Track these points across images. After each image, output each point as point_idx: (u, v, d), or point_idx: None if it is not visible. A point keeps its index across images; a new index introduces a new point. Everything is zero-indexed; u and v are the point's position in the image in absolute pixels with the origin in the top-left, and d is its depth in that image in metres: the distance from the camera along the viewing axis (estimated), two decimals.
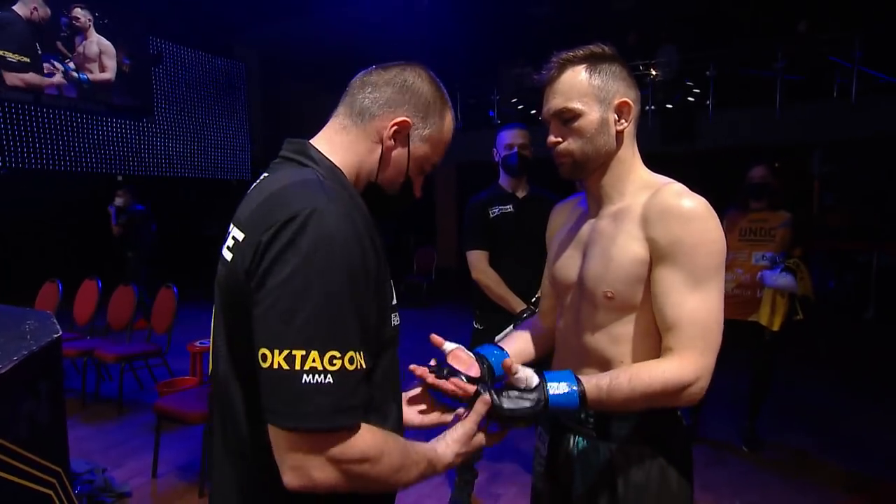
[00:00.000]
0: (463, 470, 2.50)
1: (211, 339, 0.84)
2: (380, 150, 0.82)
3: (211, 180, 10.98)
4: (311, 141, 0.84)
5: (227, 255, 0.75)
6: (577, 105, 0.97)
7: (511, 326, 2.14)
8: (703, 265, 0.89)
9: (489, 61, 10.36)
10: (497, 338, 2.19)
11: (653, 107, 8.60)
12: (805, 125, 7.62)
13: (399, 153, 0.83)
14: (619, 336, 0.98)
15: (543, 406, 0.86)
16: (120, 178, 9.39)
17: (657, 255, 0.92)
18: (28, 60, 7.15)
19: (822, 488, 2.67)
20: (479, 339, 2.35)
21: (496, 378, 1.03)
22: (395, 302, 0.82)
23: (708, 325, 0.89)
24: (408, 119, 0.82)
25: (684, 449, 1.04)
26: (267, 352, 0.63)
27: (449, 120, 0.87)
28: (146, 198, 8.00)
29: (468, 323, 2.44)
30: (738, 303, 2.97)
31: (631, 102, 0.99)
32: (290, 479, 0.65)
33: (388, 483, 0.72)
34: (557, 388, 0.88)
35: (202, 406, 2.65)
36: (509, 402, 0.87)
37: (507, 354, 1.07)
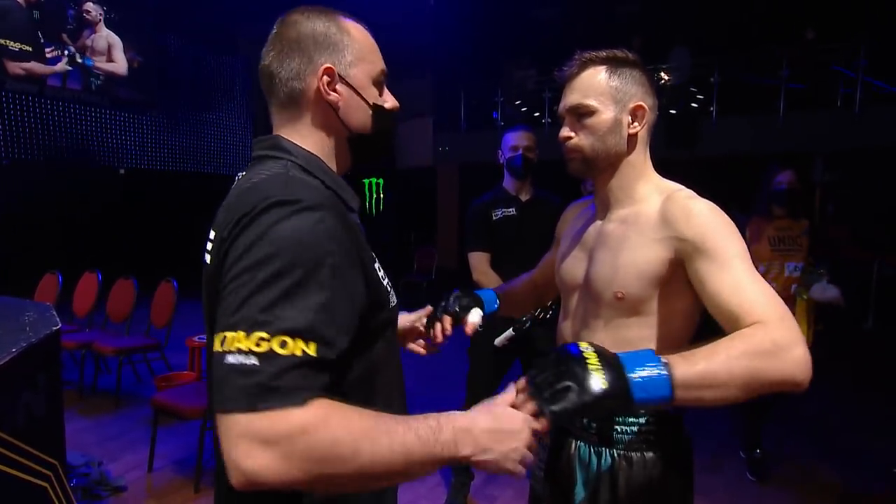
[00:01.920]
0: (459, 471, 2.49)
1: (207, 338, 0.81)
2: (331, 110, 0.80)
3: (213, 176, 10.98)
4: (280, 133, 0.82)
5: (207, 258, 0.76)
6: (592, 102, 0.98)
7: (510, 329, 2.13)
8: (741, 249, 0.87)
9: (493, 63, 10.35)
10: (496, 340, 2.20)
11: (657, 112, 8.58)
12: (807, 134, 7.63)
13: (345, 95, 0.80)
14: (623, 340, 0.98)
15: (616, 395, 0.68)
16: (122, 171, 9.39)
17: (689, 252, 0.90)
18: (30, 49, 7.14)
19: (819, 498, 2.66)
20: (479, 341, 2.35)
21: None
22: (394, 301, 0.81)
23: (774, 297, 0.82)
24: (327, 65, 0.78)
25: (686, 455, 1.03)
26: (214, 337, 0.62)
27: (351, 26, 0.82)
28: (147, 191, 8.00)
29: None
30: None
31: (647, 108, 1.00)
32: (231, 477, 0.57)
33: (349, 460, 0.58)
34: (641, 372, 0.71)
35: (200, 401, 2.64)
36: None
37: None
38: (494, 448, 0.66)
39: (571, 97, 1.00)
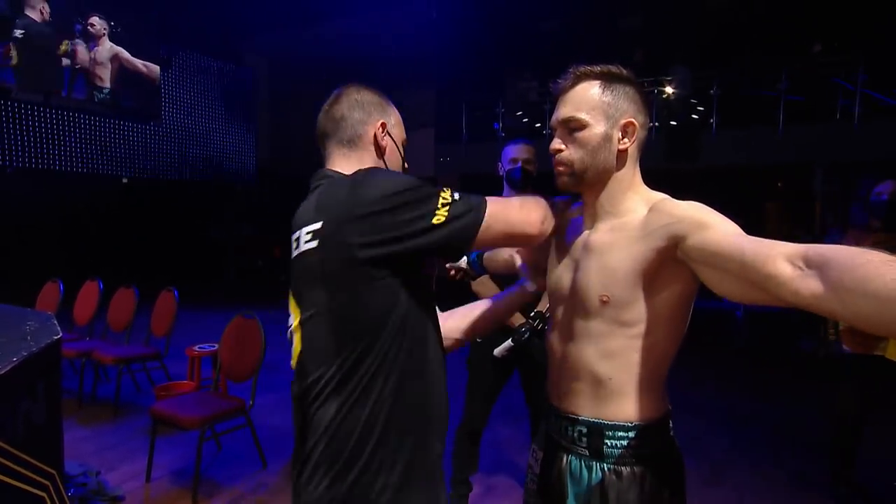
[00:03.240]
0: (457, 483, 2.48)
1: (297, 349, 0.98)
2: (378, 152, 1.08)
3: (216, 185, 11.03)
4: (332, 167, 1.07)
5: (310, 245, 0.93)
6: (584, 116, 0.99)
7: (509, 340, 2.13)
8: (738, 228, 0.87)
9: (495, 74, 10.44)
10: (495, 351, 2.19)
11: (657, 124, 8.64)
12: (806, 145, 7.66)
13: (390, 144, 1.10)
14: (609, 351, 0.98)
15: None
16: (125, 180, 9.45)
17: (685, 231, 0.89)
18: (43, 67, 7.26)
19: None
20: (477, 352, 2.34)
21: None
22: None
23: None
24: (382, 120, 1.08)
25: (677, 468, 1.03)
26: (437, 214, 0.91)
27: (391, 103, 1.13)
28: (150, 200, 8.02)
29: None
30: (867, 335, 2.43)
31: (637, 124, 1.01)
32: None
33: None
34: None
35: (199, 411, 2.64)
36: None
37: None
38: None
39: (564, 110, 1.02)
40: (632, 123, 1.00)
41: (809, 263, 0.71)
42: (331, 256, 0.90)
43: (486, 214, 0.94)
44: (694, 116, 9.01)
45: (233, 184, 11.36)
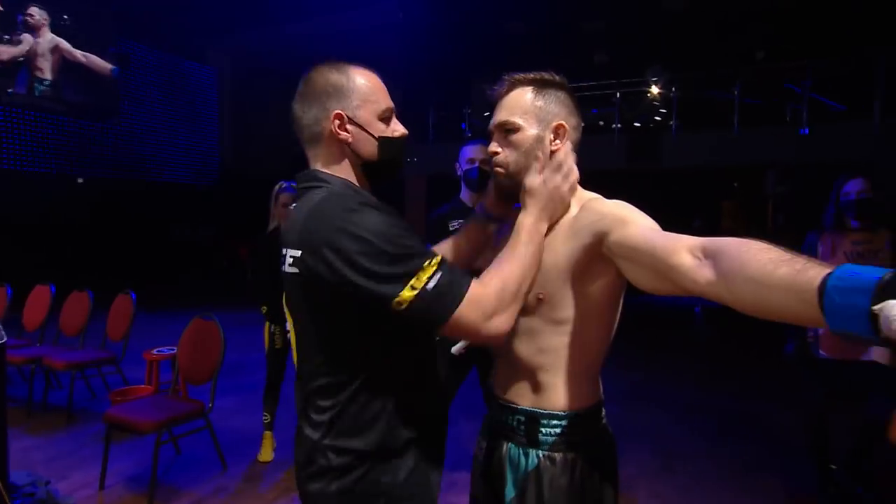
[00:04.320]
0: None
1: (295, 339, 1.07)
2: (344, 145, 1.02)
3: (178, 185, 10.75)
4: (315, 166, 1.04)
5: (293, 270, 0.95)
6: (518, 120, 1.04)
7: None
8: (656, 224, 0.93)
9: (462, 75, 10.50)
10: (453, 349, 2.22)
11: (619, 125, 8.84)
12: (759, 148, 7.96)
13: (354, 133, 1.01)
14: (545, 347, 1.02)
15: None
16: (80, 180, 9.11)
17: (609, 228, 0.94)
18: None
19: (767, 496, 2.76)
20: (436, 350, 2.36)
21: None
22: None
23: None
24: (337, 111, 1.00)
25: (609, 455, 1.08)
26: (400, 298, 0.87)
27: (357, 74, 1.02)
28: (108, 201, 7.75)
29: None
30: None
31: (568, 127, 1.06)
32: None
33: (517, 284, 0.95)
34: None
35: (156, 415, 2.57)
36: None
37: None
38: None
39: (499, 115, 1.07)
40: (563, 126, 1.05)
41: (706, 254, 0.75)
42: (309, 283, 0.93)
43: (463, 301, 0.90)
44: (657, 118, 9.26)
45: (195, 184, 11.09)
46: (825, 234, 2.60)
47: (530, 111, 1.04)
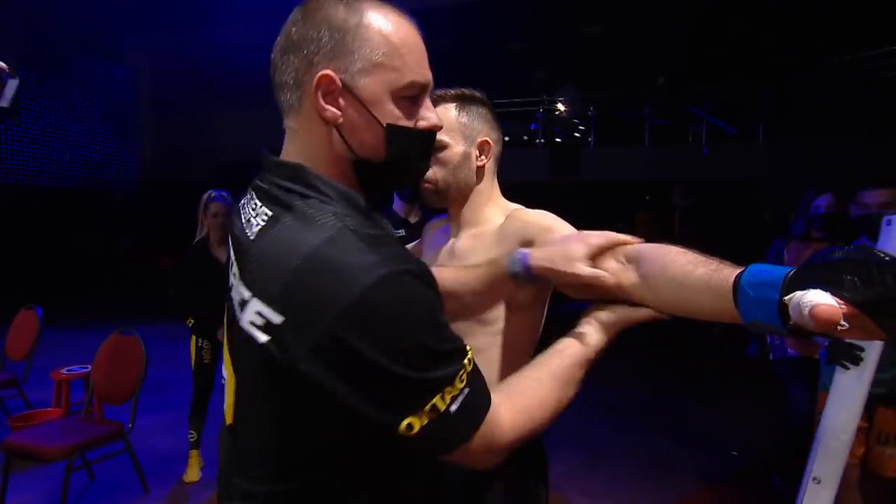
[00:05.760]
0: None
1: (231, 392, 0.70)
2: (330, 127, 0.63)
3: (92, 192, 9.89)
4: (288, 149, 0.67)
5: (259, 335, 0.58)
6: (444, 137, 1.05)
7: None
8: (571, 228, 0.98)
9: None
10: None
11: (542, 140, 9.20)
12: (667, 165, 8.59)
13: (350, 112, 0.62)
14: (476, 348, 1.02)
15: None
16: None
17: (533, 235, 0.98)
18: None
19: (682, 488, 2.92)
20: None
21: None
22: None
23: None
24: (325, 71, 0.61)
25: (539, 456, 1.11)
26: (412, 419, 0.57)
27: (381, 22, 0.62)
28: (11, 209, 7.01)
29: None
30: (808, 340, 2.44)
31: (492, 142, 1.10)
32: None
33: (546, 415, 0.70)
34: None
35: (65, 439, 2.32)
36: None
37: None
38: None
39: None
40: (487, 142, 1.08)
41: (628, 258, 0.79)
42: (281, 369, 0.57)
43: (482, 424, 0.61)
44: (577, 134, 9.71)
45: (111, 191, 10.26)
46: (792, 243, 2.73)
47: (455, 128, 1.06)
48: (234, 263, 0.66)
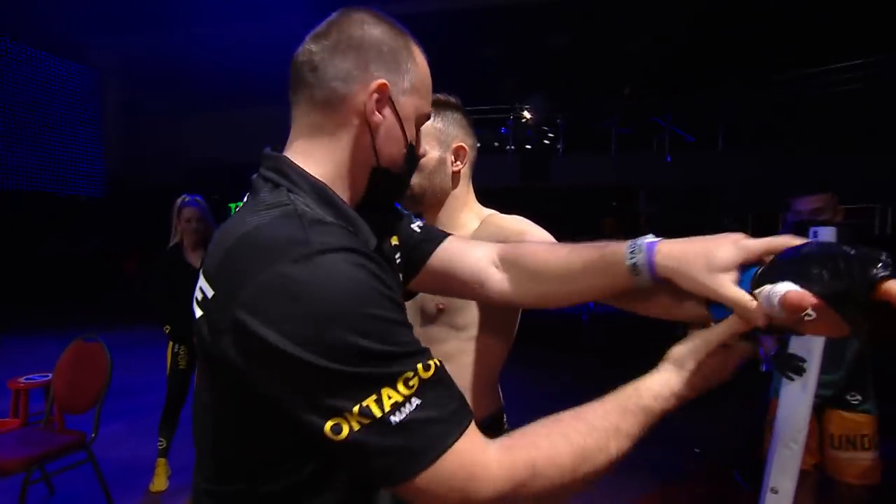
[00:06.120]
0: None
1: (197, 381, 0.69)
2: (368, 132, 0.65)
3: (56, 195, 9.51)
4: (286, 153, 0.67)
5: (197, 312, 0.58)
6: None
7: None
8: (544, 233, 0.99)
9: None
10: None
11: (513, 147, 9.31)
12: (632, 171, 8.81)
13: (389, 123, 0.66)
14: (447, 354, 1.02)
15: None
16: None
17: (508, 241, 0.97)
18: None
19: (643, 487, 2.97)
20: None
21: None
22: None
23: None
24: (383, 81, 0.64)
25: None
26: (338, 420, 0.49)
27: (419, 54, 0.69)
28: None
29: None
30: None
31: (467, 148, 1.09)
32: None
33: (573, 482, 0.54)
34: None
35: (22, 451, 2.21)
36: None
37: None
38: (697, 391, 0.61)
39: None
40: (462, 148, 1.08)
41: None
42: (211, 348, 0.55)
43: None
44: (546, 142, 9.85)
45: (77, 194, 9.88)
46: None
47: (431, 133, 1.05)
48: None
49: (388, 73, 0.65)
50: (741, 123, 8.48)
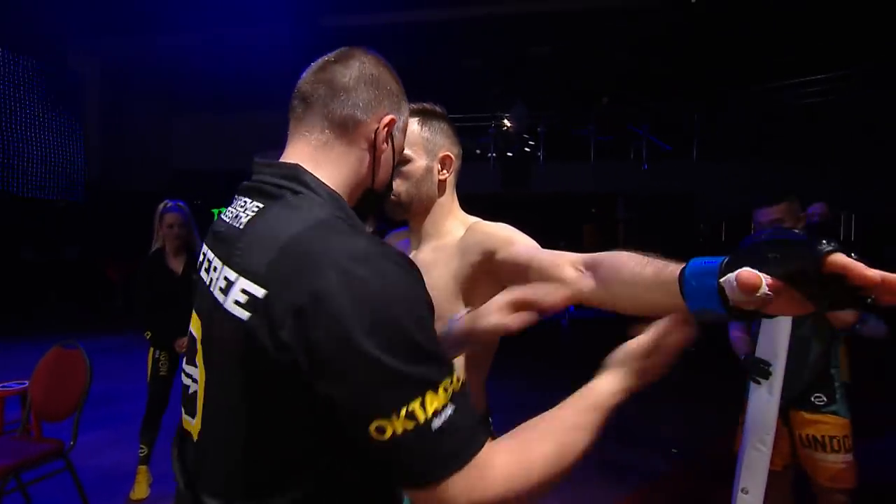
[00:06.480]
0: None
1: (201, 397, 0.68)
2: (370, 156, 0.74)
3: (34, 200, 9.25)
4: (303, 156, 0.71)
5: (239, 312, 0.58)
6: (408, 151, 1.05)
7: None
8: (530, 240, 0.97)
9: None
10: None
11: (494, 155, 9.37)
12: (611, 179, 8.92)
13: (388, 153, 0.77)
14: None
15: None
16: None
17: (497, 247, 0.97)
18: None
19: (621, 484, 3.00)
20: None
21: None
22: None
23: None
24: (393, 116, 0.75)
25: None
26: (384, 422, 0.52)
27: (407, 106, 0.82)
28: None
29: None
30: None
31: (453, 157, 1.10)
32: None
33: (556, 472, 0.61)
34: None
35: (2, 460, 2.14)
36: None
37: None
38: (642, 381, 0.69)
39: None
40: (449, 157, 1.09)
41: (587, 266, 0.82)
42: (260, 343, 0.56)
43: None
44: (526, 149, 9.93)
45: (56, 199, 9.63)
46: None
47: (418, 142, 1.06)
48: (215, 257, 0.68)
49: (394, 111, 0.76)
50: (716, 133, 8.67)
